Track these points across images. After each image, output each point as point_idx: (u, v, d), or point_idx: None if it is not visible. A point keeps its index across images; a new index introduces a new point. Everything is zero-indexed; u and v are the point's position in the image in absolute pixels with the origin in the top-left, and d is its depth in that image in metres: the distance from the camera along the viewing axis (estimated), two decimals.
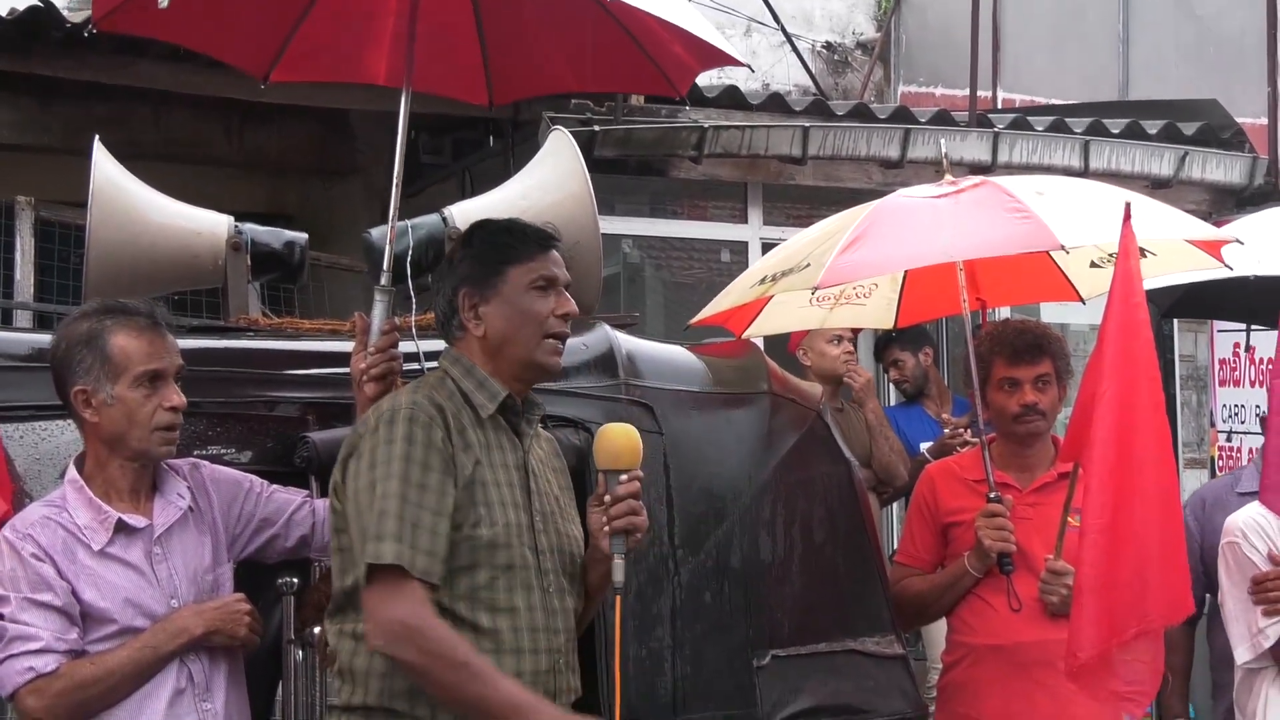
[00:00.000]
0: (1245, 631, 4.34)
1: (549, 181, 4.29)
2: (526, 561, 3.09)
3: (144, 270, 4.09)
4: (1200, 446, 9.21)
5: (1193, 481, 8.88)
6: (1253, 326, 7.78)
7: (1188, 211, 5.27)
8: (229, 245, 4.19)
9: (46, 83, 7.63)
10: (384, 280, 3.74)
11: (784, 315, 5.24)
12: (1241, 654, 4.36)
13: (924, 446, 6.53)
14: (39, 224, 7.15)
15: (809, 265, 4.38)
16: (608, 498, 3.12)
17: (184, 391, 3.31)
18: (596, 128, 7.80)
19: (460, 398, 3.14)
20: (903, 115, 8.95)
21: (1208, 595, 4.80)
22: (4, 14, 7.10)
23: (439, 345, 3.38)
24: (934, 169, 4.91)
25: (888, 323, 5.58)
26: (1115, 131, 9.28)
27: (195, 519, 3.35)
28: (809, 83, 11.20)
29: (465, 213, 4.05)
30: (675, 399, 4.01)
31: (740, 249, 8.79)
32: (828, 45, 12.35)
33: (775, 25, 10.90)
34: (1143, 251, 4.55)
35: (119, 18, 3.80)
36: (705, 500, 3.95)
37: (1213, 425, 9.06)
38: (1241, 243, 4.72)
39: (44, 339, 3.46)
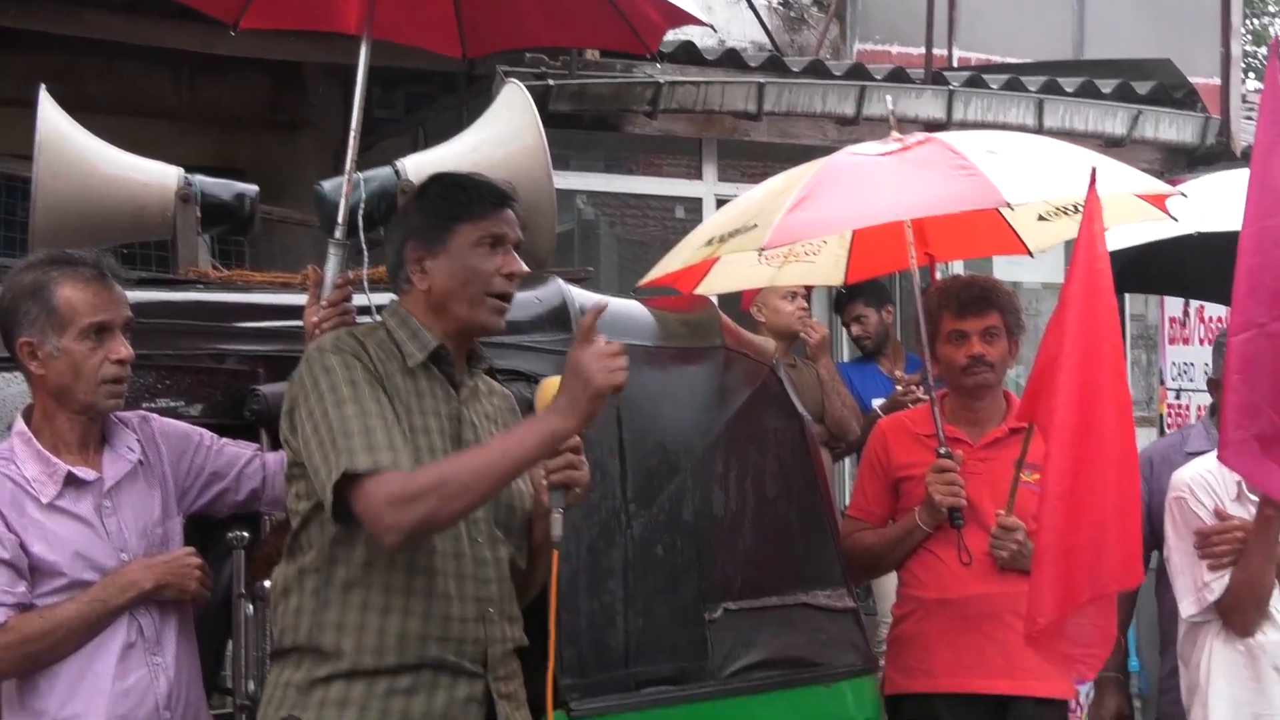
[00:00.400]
0: (1190, 585, 4.38)
1: (502, 135, 4.27)
2: None
3: (92, 222, 4.05)
4: (1149, 405, 9.29)
5: (1142, 440, 8.94)
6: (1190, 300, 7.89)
7: (1141, 170, 5.30)
8: (178, 197, 4.16)
9: None
10: (338, 233, 3.72)
11: (733, 273, 5.24)
12: (1186, 607, 4.40)
13: (876, 403, 6.55)
14: None
15: (756, 225, 4.37)
16: None
17: (132, 344, 3.27)
18: (551, 82, 7.77)
19: (391, 346, 3.14)
20: (858, 72, 8.95)
21: (1155, 552, 4.85)
22: None
23: (393, 298, 3.36)
24: (889, 125, 4.91)
25: (837, 279, 5.59)
26: (1069, 90, 9.32)
27: (145, 472, 3.33)
28: (765, 39, 11.15)
29: (418, 165, 4.03)
30: (629, 353, 3.99)
31: (695, 205, 8.79)
32: (784, 2, 12.29)
33: None
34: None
35: None
36: (658, 454, 3.95)
37: (1162, 383, 9.13)
38: (1185, 195, 4.76)
39: None
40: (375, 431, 2.95)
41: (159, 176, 4.19)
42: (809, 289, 6.54)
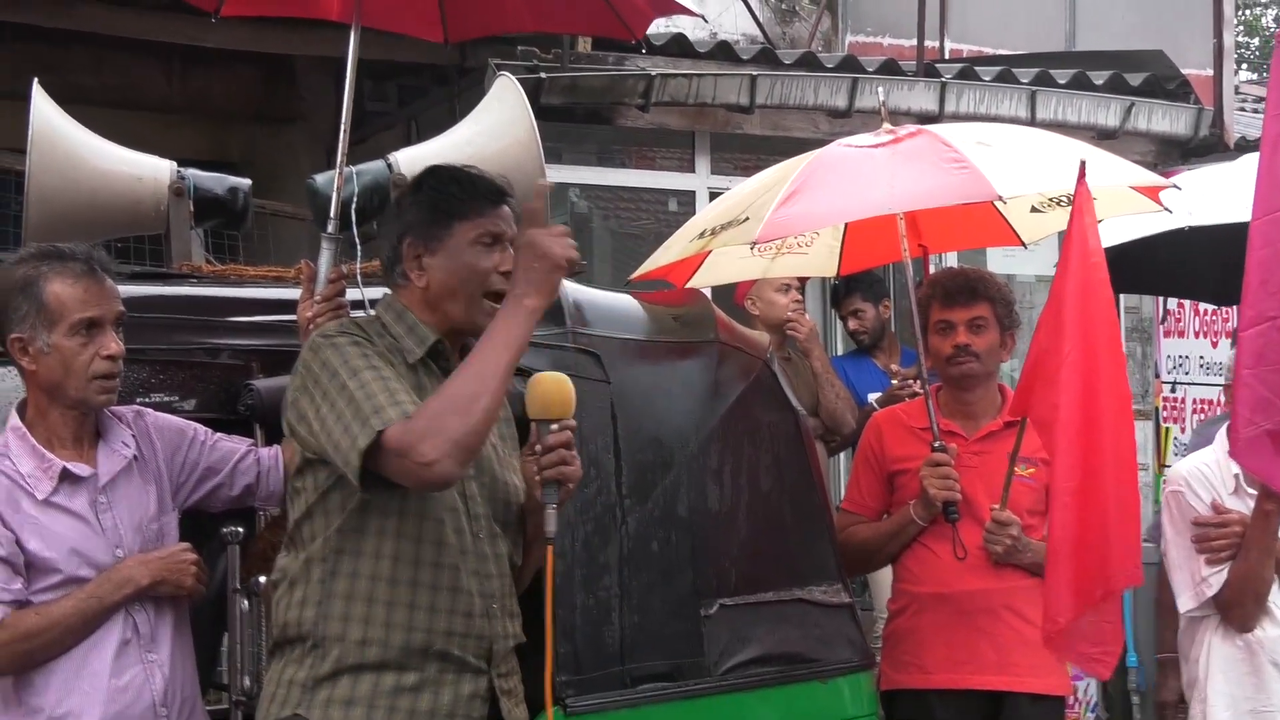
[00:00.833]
0: (1188, 580, 4.38)
1: (494, 128, 4.26)
2: (455, 505, 3.07)
3: (85, 216, 4.04)
4: (1145, 398, 9.29)
5: (1139, 434, 8.95)
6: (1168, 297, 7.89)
7: (1134, 163, 5.29)
8: (171, 190, 4.15)
9: None
10: (330, 227, 3.71)
11: (726, 266, 5.24)
12: (1184, 602, 4.40)
13: (872, 397, 6.54)
14: None
15: (748, 219, 4.37)
16: (539, 447, 3.09)
17: (126, 339, 3.26)
18: (543, 75, 7.76)
19: (390, 339, 3.12)
20: (850, 65, 8.95)
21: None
22: None
23: (385, 292, 3.35)
24: (881, 119, 4.90)
25: (830, 271, 5.59)
26: (1062, 82, 9.32)
27: (140, 467, 3.31)
28: (757, 31, 11.14)
29: (410, 159, 4.01)
30: (623, 347, 3.99)
31: (688, 198, 8.78)
32: None
33: None
34: None
35: None
36: (653, 449, 3.93)
37: (1157, 376, 9.13)
38: (1179, 188, 4.75)
39: None
40: (398, 392, 2.94)
41: (152, 170, 4.18)
42: (803, 282, 6.53)
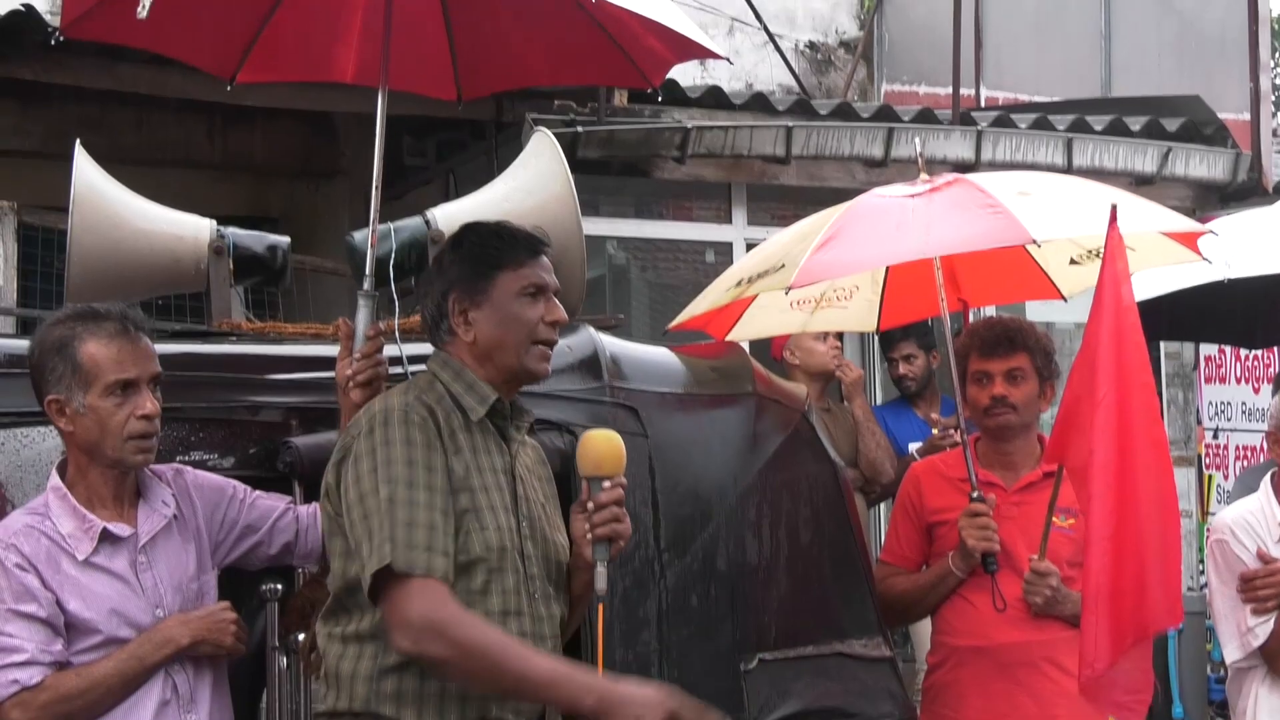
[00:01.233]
0: (1234, 630, 4.34)
1: (531, 183, 4.28)
2: (516, 567, 3.08)
3: (126, 275, 4.07)
4: (1187, 444, 9.23)
5: (1181, 480, 8.90)
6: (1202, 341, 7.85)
7: (1171, 208, 5.27)
8: (211, 249, 4.17)
9: (28, 87, 7.62)
10: (367, 284, 3.73)
11: (765, 319, 5.23)
12: (1231, 652, 4.36)
13: (913, 447, 6.52)
14: (21, 229, 7.12)
15: (784, 266, 4.37)
16: (590, 505, 3.11)
17: (166, 396, 3.27)
18: (580, 129, 7.79)
19: (450, 401, 3.13)
20: (886, 114, 8.96)
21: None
22: None
23: (423, 349, 3.36)
24: (918, 167, 4.91)
25: (869, 326, 5.57)
26: (1098, 128, 9.30)
27: (179, 526, 3.32)
28: (792, 82, 11.19)
29: (447, 215, 4.03)
30: (660, 401, 4.00)
31: (725, 249, 8.79)
32: (811, 44, 12.33)
33: (758, 25, 10.89)
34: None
35: (87, 24, 3.78)
36: (691, 502, 3.93)
37: (1199, 423, 9.08)
38: (1216, 234, 4.73)
39: (25, 345, 3.42)
40: (417, 527, 2.94)
41: (192, 229, 4.21)
42: (840, 333, 6.52)
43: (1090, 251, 4.80)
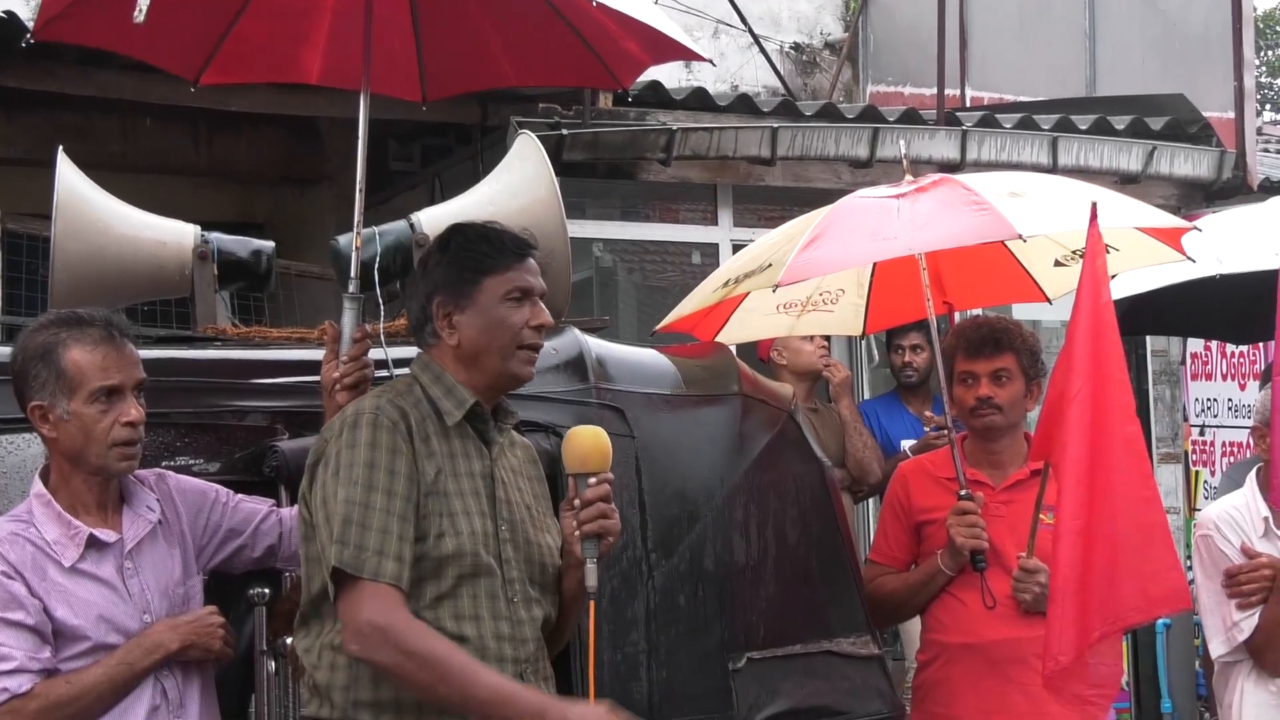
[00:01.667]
0: (1220, 625, 4.35)
1: (516, 186, 4.28)
2: (491, 570, 3.07)
3: (110, 281, 4.06)
4: (1174, 441, 9.25)
5: (1168, 476, 8.92)
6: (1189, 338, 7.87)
7: (1156, 207, 5.29)
8: (195, 255, 4.17)
9: (11, 94, 7.61)
10: (352, 288, 3.73)
11: (752, 323, 5.24)
12: (1216, 647, 4.37)
13: (906, 444, 6.52)
14: (6, 236, 7.12)
15: (771, 265, 4.40)
16: (577, 502, 3.10)
17: (151, 402, 3.26)
18: (564, 131, 7.79)
19: (427, 404, 3.13)
20: (871, 115, 8.97)
21: None
22: None
23: (409, 352, 3.36)
24: (903, 168, 4.92)
25: (856, 329, 5.58)
26: (1083, 128, 9.32)
27: (164, 531, 3.31)
28: (777, 84, 11.20)
29: (432, 219, 4.04)
30: (646, 402, 4.00)
31: (711, 250, 8.80)
32: (795, 46, 12.34)
33: (743, 27, 10.91)
34: (1106, 248, 4.57)
35: (58, 25, 3.76)
36: (678, 503, 3.93)
37: (1186, 420, 9.10)
38: (1200, 230, 4.74)
39: (7, 352, 3.41)
40: (370, 531, 2.94)
41: (176, 235, 4.21)
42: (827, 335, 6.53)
43: (1074, 253, 4.82)
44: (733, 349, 5.02)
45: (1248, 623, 4.27)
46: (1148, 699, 7.19)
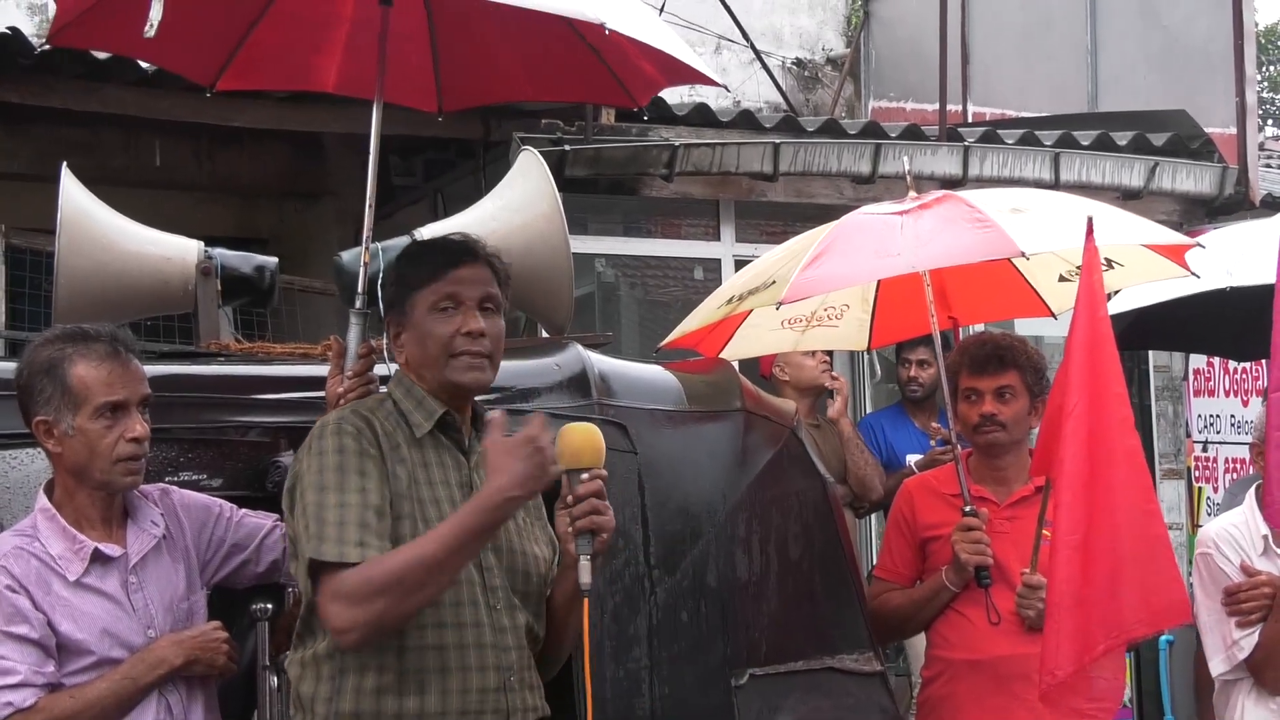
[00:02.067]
0: (1220, 643, 4.34)
1: (518, 202, 4.29)
2: (471, 578, 3.07)
3: (114, 297, 4.08)
4: (1177, 457, 9.24)
5: (1170, 492, 8.91)
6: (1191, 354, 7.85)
7: (1158, 223, 5.29)
8: (199, 270, 4.19)
9: (14, 109, 7.62)
10: (359, 303, 3.73)
11: (756, 339, 5.24)
12: (1217, 665, 4.36)
13: (912, 459, 6.51)
14: (9, 251, 7.11)
15: (775, 282, 4.40)
16: (570, 498, 3.09)
17: (155, 417, 3.27)
18: (567, 147, 7.81)
19: (398, 416, 3.15)
20: (873, 130, 8.98)
21: None
22: None
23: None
24: (905, 183, 4.92)
25: (860, 344, 5.58)
26: (1085, 143, 9.33)
27: (168, 546, 3.31)
28: (779, 99, 11.23)
29: (434, 234, 4.04)
30: (649, 417, 4.00)
31: (714, 266, 8.80)
32: (798, 62, 12.37)
33: (745, 43, 10.93)
34: (1110, 263, 4.58)
35: (70, 33, 3.78)
36: (680, 519, 3.93)
37: (1188, 435, 9.08)
38: (1203, 246, 4.74)
39: (12, 367, 3.41)
40: (348, 525, 2.94)
41: (179, 251, 4.22)
42: (830, 351, 6.53)
43: (1078, 268, 4.80)
44: (735, 364, 5.02)
45: (1247, 641, 4.27)
46: (1150, 716, 7.18)
